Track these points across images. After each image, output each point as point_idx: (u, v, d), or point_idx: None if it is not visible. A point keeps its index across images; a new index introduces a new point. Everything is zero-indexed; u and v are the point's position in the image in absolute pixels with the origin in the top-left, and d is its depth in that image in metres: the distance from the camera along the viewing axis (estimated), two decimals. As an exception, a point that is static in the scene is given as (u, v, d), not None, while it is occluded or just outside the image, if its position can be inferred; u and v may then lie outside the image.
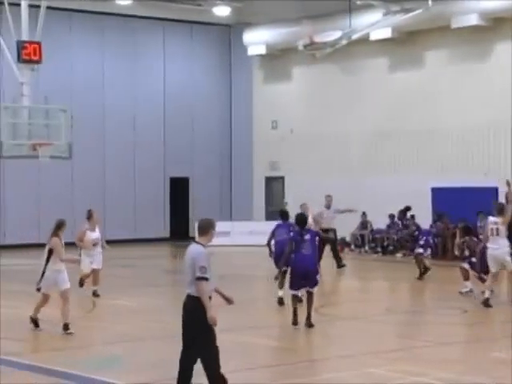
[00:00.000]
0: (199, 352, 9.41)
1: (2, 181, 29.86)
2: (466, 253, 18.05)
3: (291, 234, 15.04)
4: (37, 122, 23.60)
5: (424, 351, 12.86)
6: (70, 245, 27.35)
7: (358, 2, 27.90)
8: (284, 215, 18.04)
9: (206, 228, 9.89)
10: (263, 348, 13.43)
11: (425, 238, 21.83)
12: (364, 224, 29.48)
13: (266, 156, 33.96)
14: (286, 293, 15.38)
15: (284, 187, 33.51)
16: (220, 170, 34.79)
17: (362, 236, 29.50)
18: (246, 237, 28.96)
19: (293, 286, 14.60)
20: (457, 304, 17.16)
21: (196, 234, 9.90)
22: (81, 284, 18.24)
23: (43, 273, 14.50)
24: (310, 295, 14.55)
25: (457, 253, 19.18)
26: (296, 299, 14.59)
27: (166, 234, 32.63)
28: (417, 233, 21.91)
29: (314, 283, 14.54)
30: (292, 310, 14.50)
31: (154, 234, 32.16)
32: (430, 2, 26.74)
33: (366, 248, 29.20)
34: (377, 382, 10.77)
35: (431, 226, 26.78)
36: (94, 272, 18.35)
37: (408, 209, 22.66)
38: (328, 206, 24.21)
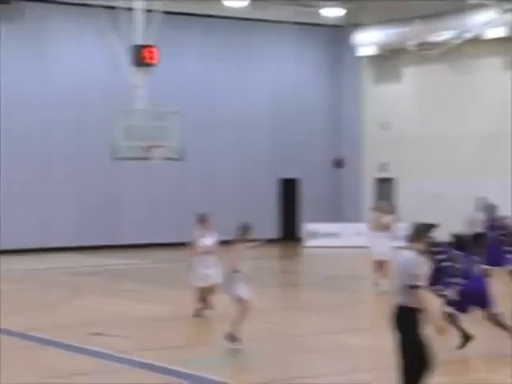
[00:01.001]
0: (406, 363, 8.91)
1: (116, 182, 30.46)
2: None
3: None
4: (150, 124, 24.05)
5: None
6: (176, 245, 27.79)
7: (471, 1, 27.44)
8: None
9: (421, 233, 9.31)
10: (367, 350, 13.35)
11: None
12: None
13: (376, 157, 33.73)
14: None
15: (394, 189, 33.23)
16: (329, 171, 34.71)
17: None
18: (355, 238, 28.78)
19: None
20: None
21: (407, 239, 9.26)
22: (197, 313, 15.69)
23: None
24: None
25: None
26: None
27: (275, 235, 32.74)
28: None
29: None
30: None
31: (263, 235, 32.19)
32: (546, 0, 26.12)
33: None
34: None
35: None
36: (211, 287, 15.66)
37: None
38: (482, 209, 21.79)
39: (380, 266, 19.37)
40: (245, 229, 13.23)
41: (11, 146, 28.62)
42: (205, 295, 15.65)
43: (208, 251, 15.62)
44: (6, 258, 26.79)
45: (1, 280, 20.81)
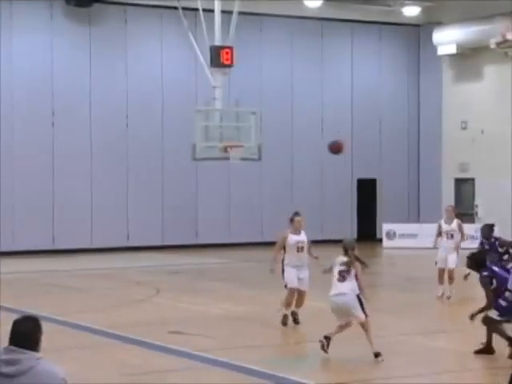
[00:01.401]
0: None
1: (196, 182, 30.75)
2: None
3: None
4: (228, 125, 24.22)
5: None
6: (253, 244, 27.73)
7: (554, -2, 26.98)
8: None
9: None
10: (447, 352, 13.25)
11: None
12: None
13: (456, 157, 33.34)
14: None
15: (474, 189, 32.82)
16: (408, 171, 34.46)
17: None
18: (432, 239, 28.37)
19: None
20: None
21: None
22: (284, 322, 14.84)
23: None
24: None
25: None
26: None
27: (353, 235, 32.60)
28: None
29: None
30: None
31: (340, 236, 32.12)
32: None
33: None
34: None
35: None
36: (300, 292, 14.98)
37: None
38: None
39: (442, 274, 18.52)
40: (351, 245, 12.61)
41: (95, 145, 29.22)
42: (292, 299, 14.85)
43: (299, 250, 14.91)
44: (91, 257, 27.39)
45: (85, 278, 21.23)
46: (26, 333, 5.59)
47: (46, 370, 5.53)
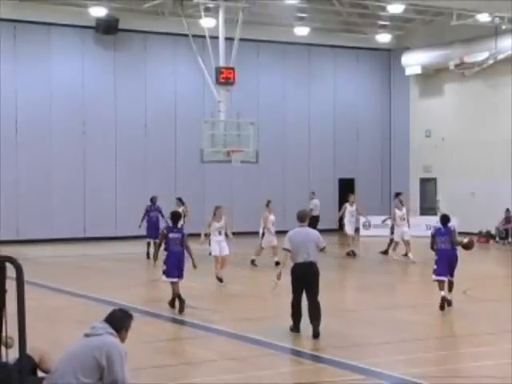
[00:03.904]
0: None
1: (203, 181, 30.77)
2: None
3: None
4: (230, 133, 24.21)
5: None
6: (251, 234, 27.87)
7: (504, 27, 26.93)
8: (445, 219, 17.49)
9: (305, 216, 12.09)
10: (413, 323, 13.24)
11: None
12: (508, 219, 28.44)
13: (421, 160, 33.38)
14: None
15: (436, 187, 32.86)
16: (381, 172, 34.47)
17: (506, 230, 28.45)
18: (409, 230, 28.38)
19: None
20: None
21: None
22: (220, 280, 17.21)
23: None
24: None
25: None
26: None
27: (334, 225, 32.50)
28: None
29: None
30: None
31: (325, 226, 32.12)
32: None
33: (510, 240, 28.13)
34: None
35: None
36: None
37: None
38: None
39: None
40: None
41: (120, 151, 29.25)
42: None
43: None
44: (115, 244, 27.40)
45: (111, 261, 21.15)
46: (114, 316, 6.75)
47: (111, 341, 6.50)
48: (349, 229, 24.10)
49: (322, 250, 12.04)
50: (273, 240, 20.22)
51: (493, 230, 28.75)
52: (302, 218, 11.99)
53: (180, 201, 23.13)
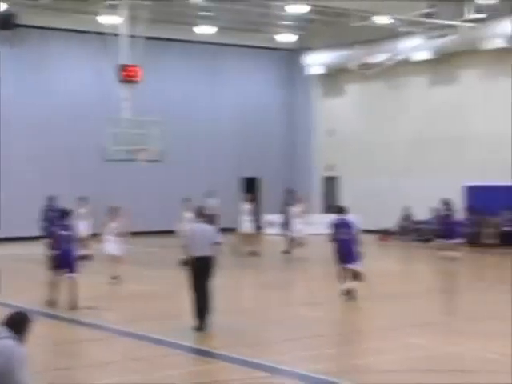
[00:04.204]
0: None
1: (106, 180, 30.28)
2: None
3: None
4: (135, 132, 23.94)
5: (458, 325, 12.71)
6: (160, 232, 27.65)
7: (402, 29, 27.66)
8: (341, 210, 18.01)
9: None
10: (318, 320, 13.42)
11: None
12: (407, 216, 29.21)
13: (324, 159, 33.89)
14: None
15: (339, 186, 33.41)
16: (285, 171, 34.79)
17: (406, 227, 29.22)
18: (306, 227, 28.79)
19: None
20: (487, 284, 16.89)
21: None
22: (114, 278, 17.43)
23: None
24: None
25: None
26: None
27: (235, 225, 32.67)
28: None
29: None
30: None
31: (230, 224, 32.25)
32: (463, 29, 26.38)
33: (409, 237, 28.90)
34: (417, 350, 10.68)
35: (465, 219, 26.49)
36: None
37: (447, 202, 22.48)
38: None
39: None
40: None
41: (25, 144, 28.46)
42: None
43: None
44: (6, 245, 26.55)
45: (8, 262, 20.47)
46: (12, 319, 6.27)
47: (10, 344, 6.09)
48: (247, 227, 24.20)
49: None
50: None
51: (393, 227, 29.49)
52: (199, 214, 12.50)
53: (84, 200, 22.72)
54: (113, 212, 17.88)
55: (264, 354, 10.34)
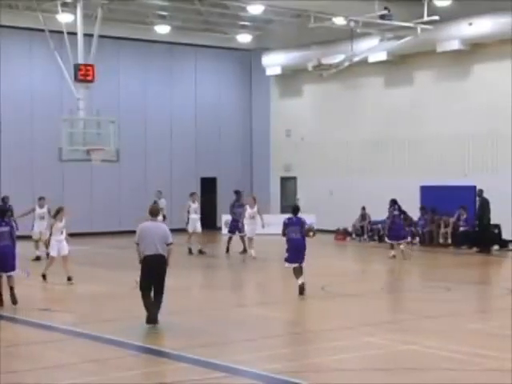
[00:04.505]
0: None
1: (62, 180, 30.02)
2: None
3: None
4: (90, 131, 23.73)
5: (413, 323, 12.86)
6: (114, 233, 27.48)
7: (358, 30, 27.87)
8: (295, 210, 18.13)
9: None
10: (274, 320, 13.45)
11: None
12: (363, 216, 29.44)
13: (281, 159, 33.99)
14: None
15: (296, 186, 33.56)
16: (242, 171, 34.80)
17: (362, 227, 29.46)
18: (257, 227, 28.83)
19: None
20: (441, 283, 17.13)
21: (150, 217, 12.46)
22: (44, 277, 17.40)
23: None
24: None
25: None
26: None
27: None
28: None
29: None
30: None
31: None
32: (418, 30, 26.69)
33: (365, 237, 29.14)
34: (373, 349, 10.78)
35: (419, 219, 26.83)
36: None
37: (394, 201, 22.76)
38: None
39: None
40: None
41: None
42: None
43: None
44: None
45: None
46: None
47: None
48: (192, 227, 24.18)
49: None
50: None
51: (350, 227, 29.70)
52: (153, 212, 12.58)
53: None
54: (59, 212, 17.78)
55: (221, 355, 10.33)
